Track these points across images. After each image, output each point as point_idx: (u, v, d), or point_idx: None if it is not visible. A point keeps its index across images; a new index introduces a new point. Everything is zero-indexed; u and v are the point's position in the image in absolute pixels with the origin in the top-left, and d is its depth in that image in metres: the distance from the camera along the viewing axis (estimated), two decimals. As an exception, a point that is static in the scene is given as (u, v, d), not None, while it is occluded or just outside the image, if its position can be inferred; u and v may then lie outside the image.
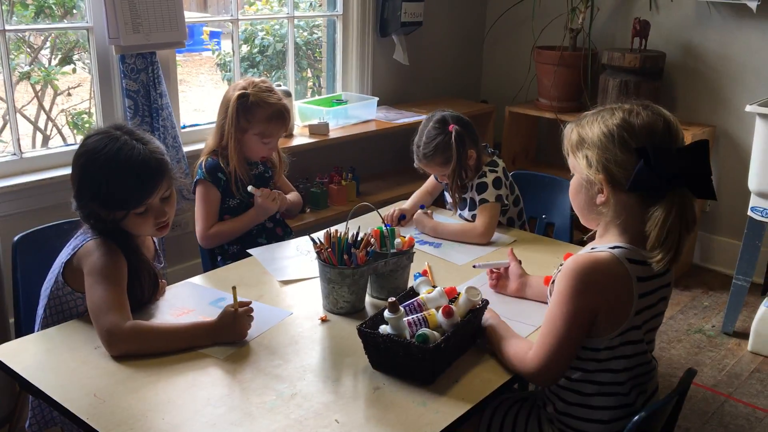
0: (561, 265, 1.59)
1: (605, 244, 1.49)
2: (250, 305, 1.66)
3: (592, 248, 1.51)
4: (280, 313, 1.77)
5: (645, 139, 1.41)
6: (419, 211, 2.39)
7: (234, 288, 1.66)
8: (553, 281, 1.57)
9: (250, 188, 2.31)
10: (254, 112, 2.30)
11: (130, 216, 1.70)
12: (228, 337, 1.60)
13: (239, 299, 1.66)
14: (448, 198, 2.53)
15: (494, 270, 1.94)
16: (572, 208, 1.62)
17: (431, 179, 2.60)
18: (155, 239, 1.94)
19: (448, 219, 2.45)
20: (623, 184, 1.43)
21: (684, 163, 1.40)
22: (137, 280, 1.72)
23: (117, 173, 1.67)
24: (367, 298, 1.85)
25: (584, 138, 1.49)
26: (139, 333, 1.57)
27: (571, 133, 1.54)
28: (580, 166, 1.50)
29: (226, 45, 7.99)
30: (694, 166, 1.41)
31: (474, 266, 1.97)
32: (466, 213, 2.44)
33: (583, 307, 1.43)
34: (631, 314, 1.45)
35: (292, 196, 2.55)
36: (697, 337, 3.21)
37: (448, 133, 2.34)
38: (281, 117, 2.35)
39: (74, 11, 3.66)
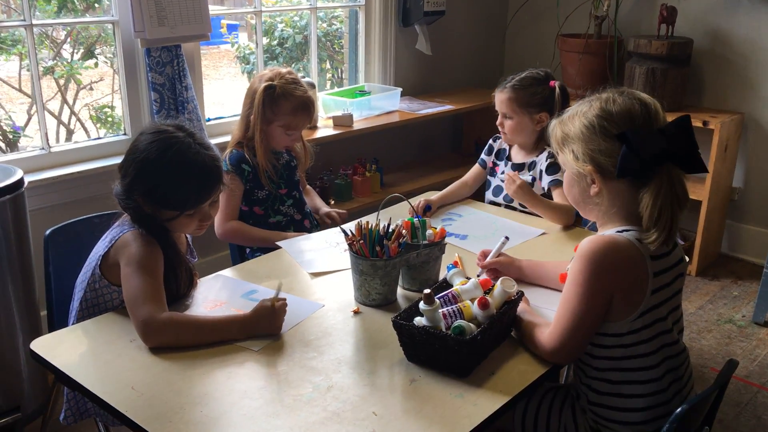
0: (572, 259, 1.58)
1: (611, 229, 1.50)
2: (285, 300, 1.66)
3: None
4: (312, 305, 1.77)
5: (624, 124, 1.44)
6: (524, 180, 2.29)
7: (280, 284, 1.69)
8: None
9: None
10: (280, 104, 2.30)
11: (180, 217, 1.71)
12: (263, 330, 1.60)
13: (273, 294, 1.66)
14: (494, 182, 2.51)
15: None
16: None
17: (474, 167, 2.57)
18: (188, 235, 1.94)
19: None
20: (612, 172, 1.45)
21: (666, 141, 1.41)
22: (173, 274, 1.72)
23: (179, 177, 1.68)
24: (399, 290, 1.84)
25: (567, 133, 1.52)
26: (175, 324, 1.57)
27: (554, 130, 1.57)
28: (569, 161, 1.53)
29: (243, 37, 8.01)
30: (679, 144, 1.42)
31: (477, 275, 1.94)
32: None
33: (600, 288, 1.44)
34: (647, 293, 1.45)
35: (312, 191, 2.61)
36: (727, 327, 3.17)
37: (549, 87, 2.36)
38: (306, 109, 2.35)
39: (96, 5, 3.68)
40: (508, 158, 2.50)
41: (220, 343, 1.57)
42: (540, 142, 2.42)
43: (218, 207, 1.84)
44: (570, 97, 3.77)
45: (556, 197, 2.33)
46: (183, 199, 1.70)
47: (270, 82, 2.30)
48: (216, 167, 1.74)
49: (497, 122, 2.45)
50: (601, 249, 1.44)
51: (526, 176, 2.42)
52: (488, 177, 2.55)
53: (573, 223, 2.29)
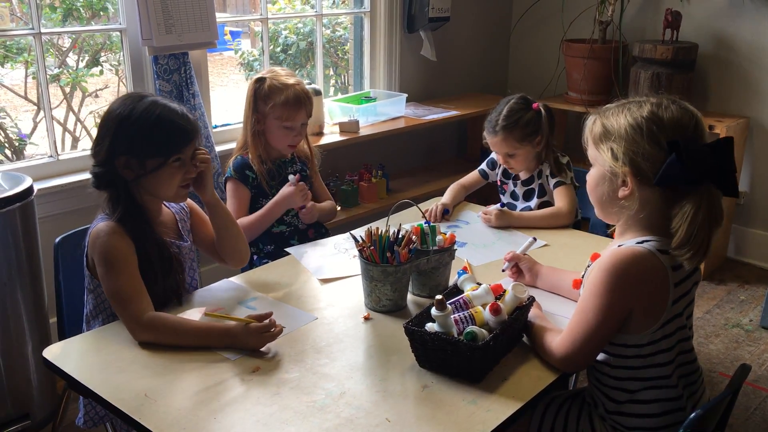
0: (588, 266, 1.58)
1: (630, 240, 1.47)
2: (270, 319, 1.62)
3: (619, 245, 1.48)
4: (305, 316, 1.74)
5: (674, 133, 1.39)
6: (496, 209, 2.35)
7: (206, 313, 1.67)
8: (583, 284, 1.55)
9: (291, 177, 2.27)
10: (272, 96, 2.29)
11: (165, 167, 1.71)
12: (242, 345, 1.58)
13: (266, 306, 1.68)
14: (504, 200, 2.53)
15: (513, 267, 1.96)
16: None
17: (473, 174, 2.59)
18: (177, 215, 1.92)
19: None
20: (649, 178, 1.41)
21: (712, 158, 1.38)
22: (148, 260, 1.71)
23: (158, 120, 1.69)
24: (409, 296, 1.84)
25: (609, 130, 1.46)
26: (156, 327, 1.59)
27: (593, 124, 1.51)
28: (604, 158, 1.47)
29: (246, 44, 8.01)
30: (721, 163, 1.39)
31: (503, 270, 1.96)
32: (533, 202, 2.44)
33: (619, 303, 1.42)
34: (668, 305, 1.44)
35: (327, 204, 2.49)
36: (735, 331, 3.17)
37: (533, 111, 2.36)
38: (299, 100, 2.31)
39: (101, 13, 3.69)
40: (516, 178, 2.51)
41: (201, 348, 1.58)
42: (539, 156, 2.45)
43: (195, 162, 1.79)
44: (573, 102, 3.81)
45: (557, 196, 2.37)
46: (168, 140, 1.71)
47: (260, 76, 2.31)
48: (189, 114, 1.77)
49: (501, 162, 2.46)
50: (623, 263, 1.41)
51: (535, 185, 2.43)
52: (500, 195, 2.57)
53: (572, 222, 2.34)
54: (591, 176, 1.55)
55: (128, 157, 1.70)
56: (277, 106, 2.28)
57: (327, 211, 2.48)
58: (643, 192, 1.44)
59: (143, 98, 1.72)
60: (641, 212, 1.45)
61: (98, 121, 4.22)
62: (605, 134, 1.47)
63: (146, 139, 1.69)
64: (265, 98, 2.29)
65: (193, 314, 1.70)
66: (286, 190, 2.28)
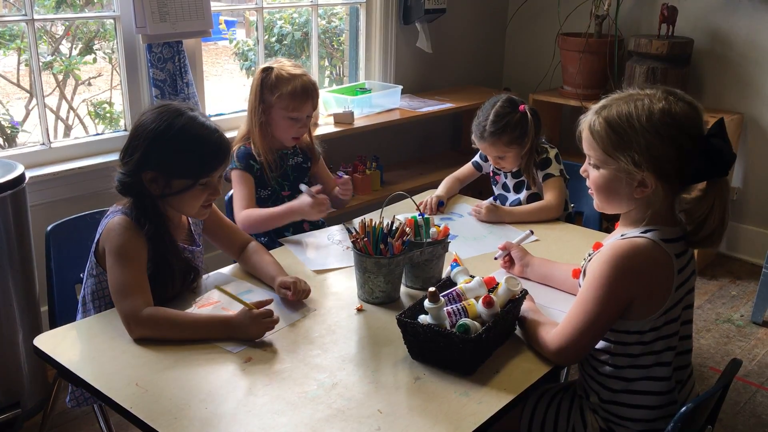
0: (589, 255, 1.58)
1: (634, 229, 1.48)
2: (269, 305, 1.62)
3: (622, 235, 1.49)
4: (303, 307, 1.74)
5: (692, 131, 1.42)
6: (489, 203, 2.37)
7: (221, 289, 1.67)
8: (584, 272, 1.55)
9: (303, 187, 2.19)
10: (278, 86, 2.25)
11: (192, 189, 1.70)
12: (243, 335, 1.57)
13: (263, 298, 1.66)
14: (496, 191, 2.53)
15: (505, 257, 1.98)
16: None
17: (467, 166, 2.59)
18: (190, 220, 1.91)
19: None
20: (671, 176, 1.43)
21: (727, 150, 1.42)
22: (167, 265, 1.71)
23: (193, 142, 1.67)
24: (402, 288, 1.83)
25: (624, 137, 1.42)
26: (156, 321, 1.57)
27: (593, 125, 1.47)
28: (621, 166, 1.44)
29: (241, 34, 7.97)
30: (728, 148, 1.43)
31: (495, 258, 1.98)
32: (523, 194, 2.44)
33: (619, 294, 1.43)
34: (672, 290, 1.44)
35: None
36: (725, 326, 3.18)
37: (520, 113, 2.35)
38: (306, 91, 2.28)
39: (95, 0, 3.66)
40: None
41: (204, 341, 1.56)
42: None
43: (221, 184, 1.80)
44: (568, 96, 3.80)
45: (546, 189, 2.38)
46: (198, 164, 1.69)
47: (267, 66, 2.29)
48: (224, 137, 1.75)
49: (492, 163, 2.47)
50: (625, 254, 1.42)
51: (525, 176, 2.44)
52: (493, 186, 2.57)
53: (561, 215, 2.36)
54: (602, 178, 1.49)
55: (156, 174, 1.68)
56: (283, 96, 2.25)
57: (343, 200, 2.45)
58: (664, 188, 1.45)
59: (180, 114, 1.68)
60: (655, 206, 1.46)
61: (91, 109, 4.20)
62: (620, 143, 1.43)
63: (177, 160, 1.68)
64: (271, 88, 2.26)
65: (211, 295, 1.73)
66: (304, 200, 2.17)
